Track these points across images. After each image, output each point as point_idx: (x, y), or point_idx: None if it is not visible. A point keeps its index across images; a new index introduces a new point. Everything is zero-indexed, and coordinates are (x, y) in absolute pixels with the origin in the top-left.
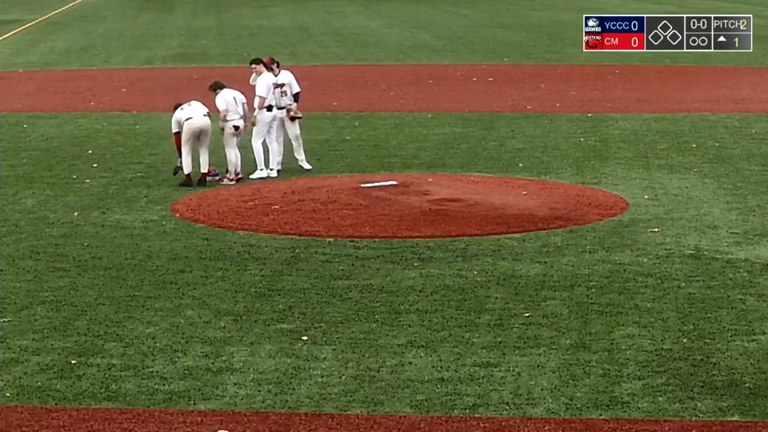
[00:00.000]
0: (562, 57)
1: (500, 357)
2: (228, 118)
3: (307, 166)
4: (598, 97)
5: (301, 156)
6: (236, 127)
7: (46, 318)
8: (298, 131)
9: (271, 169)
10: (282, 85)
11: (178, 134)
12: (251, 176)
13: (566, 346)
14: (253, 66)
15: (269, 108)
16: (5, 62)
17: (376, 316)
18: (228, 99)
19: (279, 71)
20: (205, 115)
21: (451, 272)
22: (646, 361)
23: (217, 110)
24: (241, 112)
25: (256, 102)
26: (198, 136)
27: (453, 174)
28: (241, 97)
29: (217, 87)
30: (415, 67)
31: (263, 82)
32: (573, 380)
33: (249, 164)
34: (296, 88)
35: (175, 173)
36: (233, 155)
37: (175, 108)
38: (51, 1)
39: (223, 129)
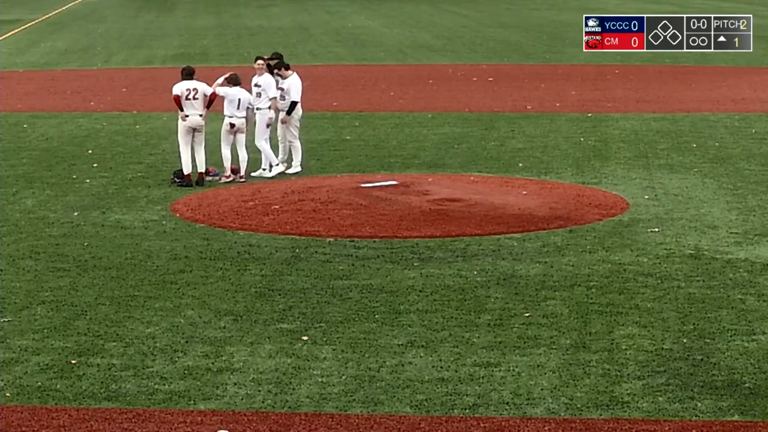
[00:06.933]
0: (562, 57)
1: (500, 357)
2: (225, 113)
3: (291, 170)
4: (598, 97)
5: (293, 159)
6: (232, 125)
7: (46, 318)
8: (288, 136)
9: (264, 169)
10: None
11: (176, 96)
12: (252, 174)
13: (566, 346)
14: (258, 63)
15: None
16: (5, 62)
17: (376, 316)
18: (233, 98)
19: (288, 75)
20: (200, 115)
21: (451, 272)
22: (646, 361)
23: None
24: (244, 113)
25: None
26: (191, 133)
27: (453, 174)
28: (246, 98)
29: (231, 82)
30: (415, 67)
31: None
32: (573, 380)
33: (253, 164)
34: (292, 98)
35: (172, 182)
36: (228, 153)
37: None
38: (51, 1)
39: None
